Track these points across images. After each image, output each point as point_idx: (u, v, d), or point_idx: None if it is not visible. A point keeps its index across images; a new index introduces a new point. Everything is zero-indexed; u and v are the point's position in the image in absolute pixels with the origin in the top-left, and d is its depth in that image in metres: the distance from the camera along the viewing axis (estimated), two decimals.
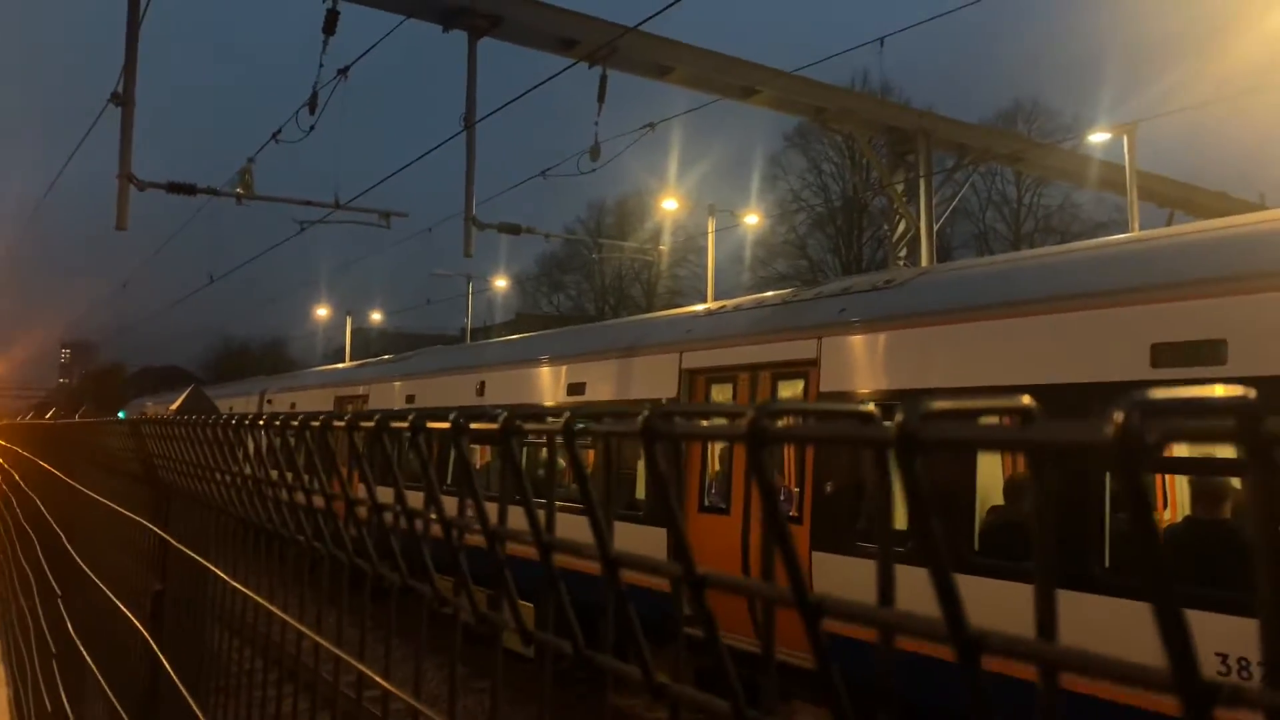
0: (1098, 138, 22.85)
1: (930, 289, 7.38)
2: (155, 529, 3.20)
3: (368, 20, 16.58)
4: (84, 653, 4.67)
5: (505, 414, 0.83)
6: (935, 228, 21.56)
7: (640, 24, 14.84)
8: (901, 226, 21.84)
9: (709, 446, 8.78)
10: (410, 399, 14.84)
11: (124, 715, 3.32)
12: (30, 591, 7.76)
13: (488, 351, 15.30)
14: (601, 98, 17.23)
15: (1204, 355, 5.31)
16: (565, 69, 14.11)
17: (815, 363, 7.45)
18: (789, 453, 7.36)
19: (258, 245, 24.83)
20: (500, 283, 48.63)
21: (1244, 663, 4.88)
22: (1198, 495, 5.84)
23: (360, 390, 16.96)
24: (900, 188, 21.73)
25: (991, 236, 47.26)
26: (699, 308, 11.12)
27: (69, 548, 5.48)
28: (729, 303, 10.72)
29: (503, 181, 23.01)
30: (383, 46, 15.35)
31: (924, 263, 21.10)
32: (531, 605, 0.99)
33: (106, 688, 3.74)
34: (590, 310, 57.40)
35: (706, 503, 8.66)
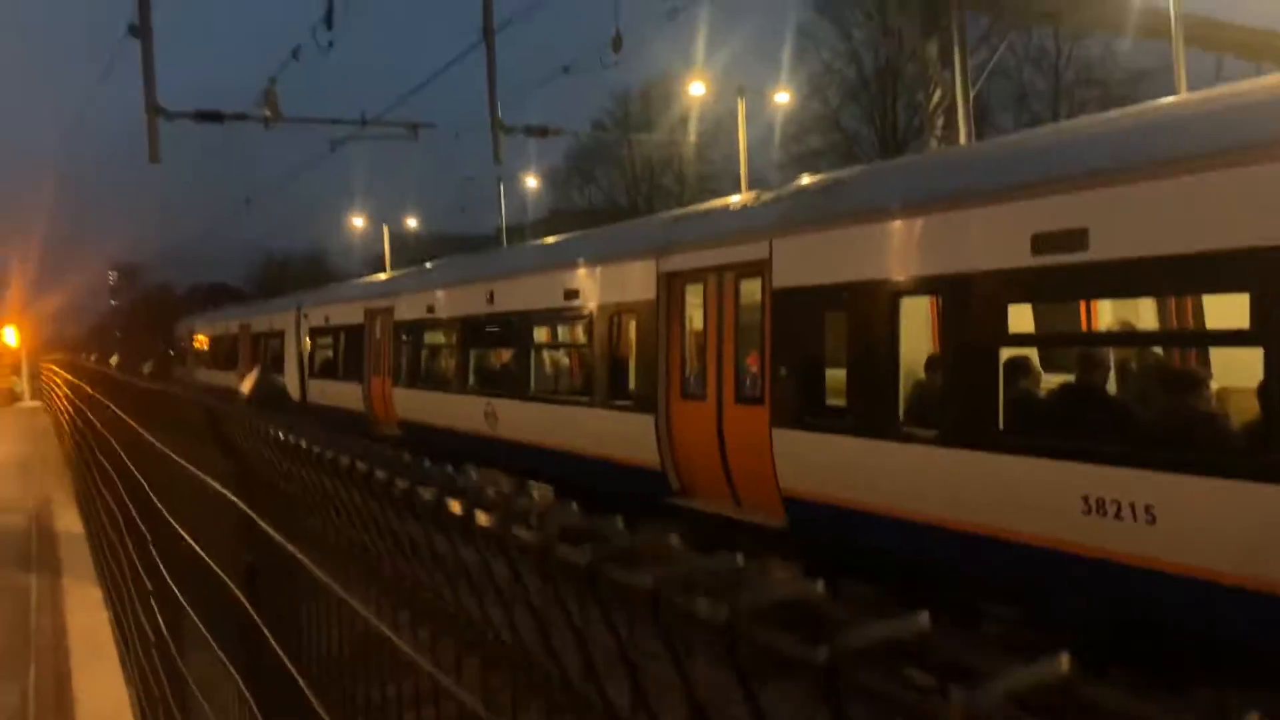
0: None
1: (856, 190, 8.18)
2: (242, 505, 3.42)
3: None
4: (180, 598, 5.00)
5: (590, 557, 0.93)
6: (972, 93, 20.93)
7: None
8: (937, 95, 21.23)
9: (687, 341, 9.94)
10: (430, 308, 15.77)
11: (231, 667, 3.62)
12: (118, 525, 8.24)
13: (496, 261, 16.11)
14: None
15: (1072, 243, 6.02)
16: None
17: (769, 262, 8.49)
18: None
19: (290, 161, 24.88)
20: (531, 181, 48.27)
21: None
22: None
23: (386, 303, 17.61)
24: (934, 54, 21.04)
25: (1031, 94, 45.63)
26: (674, 213, 12.08)
27: (153, 497, 5.81)
28: (700, 207, 11.58)
29: (525, 81, 22.67)
30: None
31: (961, 131, 20.58)
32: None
33: (210, 638, 4.04)
34: (622, 202, 56.84)
35: (685, 392, 9.79)
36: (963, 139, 20.37)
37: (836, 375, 8.02)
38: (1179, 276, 5.73)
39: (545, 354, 13.05)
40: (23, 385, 44.65)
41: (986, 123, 41.78)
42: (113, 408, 7.88)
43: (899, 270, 7.32)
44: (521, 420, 12.56)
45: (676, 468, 9.78)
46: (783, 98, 34.22)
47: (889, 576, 7.75)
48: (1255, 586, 5.19)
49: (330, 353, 20.17)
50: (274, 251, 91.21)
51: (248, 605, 3.35)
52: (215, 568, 4.03)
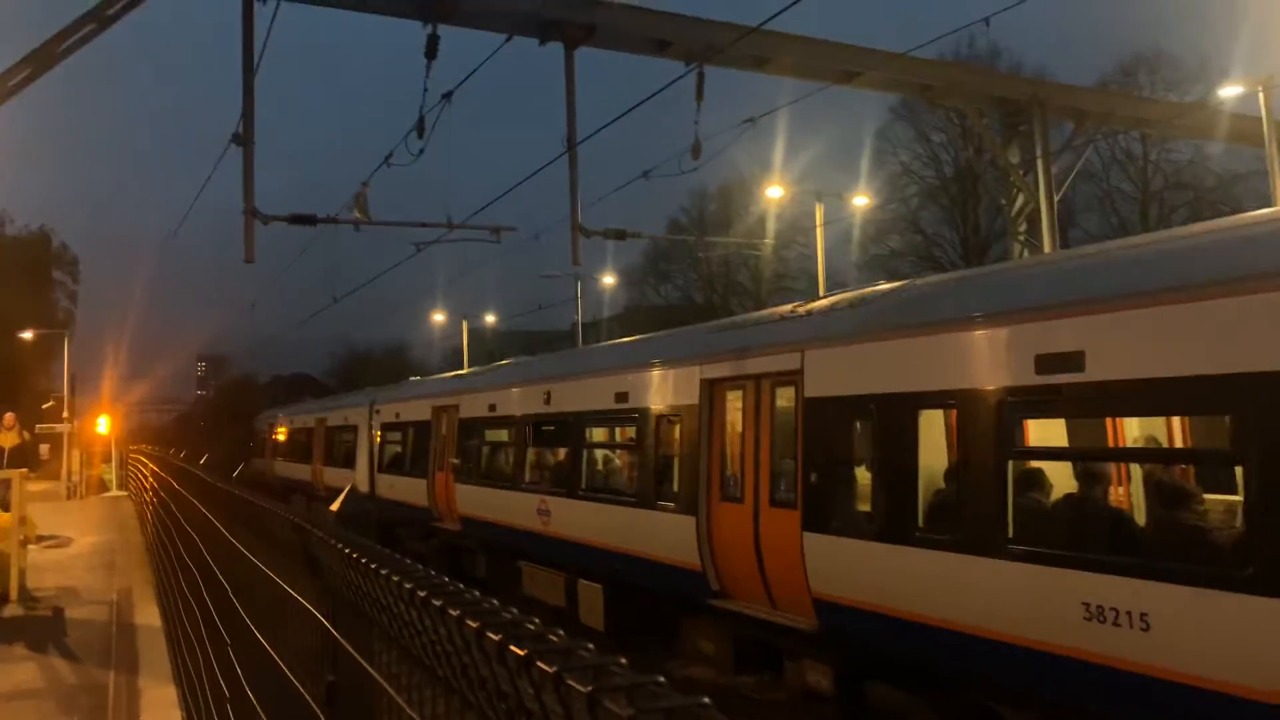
0: (1228, 91, 21.52)
1: (880, 308, 8.76)
2: (326, 623, 3.34)
3: (468, 39, 16.90)
4: (257, 707, 4.90)
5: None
6: (1056, 198, 20.73)
7: (749, 31, 14.67)
8: (1020, 200, 21.07)
9: (728, 446, 10.25)
10: (492, 407, 16.36)
11: None
12: (197, 624, 8.24)
13: (554, 363, 16.81)
14: (699, 95, 17.12)
15: (1070, 364, 6.39)
16: (670, 84, 14.03)
17: (801, 373, 8.95)
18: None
19: (376, 261, 25.59)
20: (608, 279, 49.02)
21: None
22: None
23: (453, 401, 18.18)
24: (1015, 160, 20.96)
25: (1117, 197, 45.05)
26: (719, 322, 12.76)
27: (235, 602, 5.78)
28: (742, 317, 12.68)
29: (606, 184, 23.14)
30: (486, 63, 15.61)
31: (1045, 237, 20.32)
32: None
33: None
34: (698, 300, 57.27)
35: (724, 494, 10.13)
36: (1047, 245, 20.11)
37: (863, 482, 8.35)
38: (1163, 398, 6.18)
39: (596, 454, 13.38)
40: (111, 475, 46.03)
41: (1072, 225, 41.34)
42: (201, 508, 7.96)
43: (918, 384, 7.73)
44: (572, 518, 12.86)
45: (716, 569, 9.97)
46: (860, 201, 34.35)
47: (922, 683, 7.85)
48: (1247, 695, 5.36)
49: (399, 448, 20.68)
50: (356, 344, 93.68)
51: None
52: (295, 682, 3.95)
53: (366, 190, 19.22)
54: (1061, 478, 7.20)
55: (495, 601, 1.88)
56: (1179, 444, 7.66)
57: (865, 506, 8.20)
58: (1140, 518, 7.14)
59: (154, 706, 8.24)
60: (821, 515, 8.43)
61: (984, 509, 6.91)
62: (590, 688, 1.28)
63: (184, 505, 9.92)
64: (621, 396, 12.13)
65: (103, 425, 49.72)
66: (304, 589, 3.77)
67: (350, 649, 2.92)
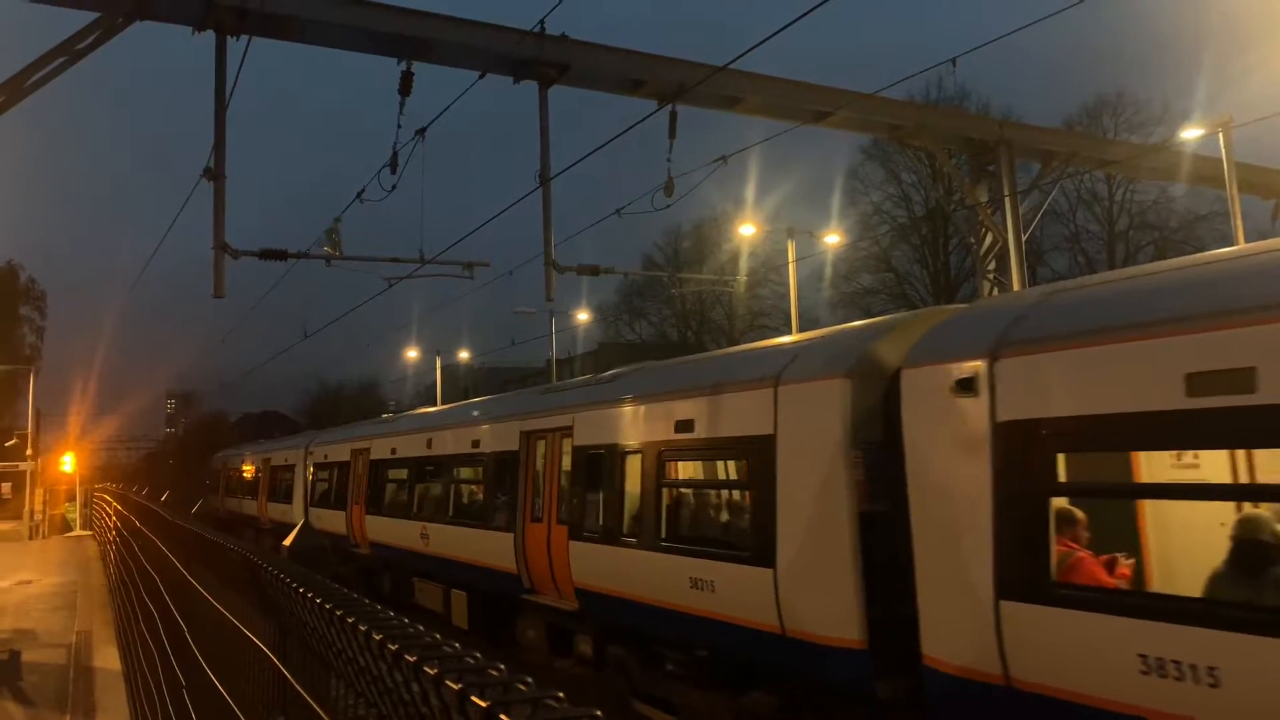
0: (1190, 134, 21.95)
1: (615, 385, 12.05)
2: (276, 662, 3.25)
3: (442, 77, 16.94)
4: None
5: None
6: (1024, 237, 20.97)
7: (719, 69, 14.82)
8: (988, 240, 21.31)
9: (536, 480, 13.27)
10: (393, 450, 19.37)
11: None
12: (155, 667, 8.02)
13: (435, 416, 20.08)
14: (672, 134, 17.23)
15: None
16: (641, 120, 14.14)
17: (572, 429, 12.23)
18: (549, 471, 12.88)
19: (347, 296, 25.52)
20: (582, 316, 49.03)
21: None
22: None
23: (366, 445, 21.01)
24: (983, 199, 21.21)
25: (1084, 237, 45.70)
26: (541, 388, 17.29)
27: (191, 644, 5.64)
28: (553, 385, 17.17)
29: (579, 220, 23.20)
30: (459, 100, 15.66)
31: (1014, 275, 20.54)
32: None
33: None
34: (673, 336, 57.38)
35: (533, 517, 13.18)
36: (1016, 283, 20.32)
37: (599, 504, 11.28)
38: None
39: (459, 488, 16.33)
40: (74, 514, 45.12)
41: (1040, 263, 41.86)
42: (159, 545, 7.80)
43: (641, 437, 10.71)
44: (443, 539, 15.95)
45: (528, 572, 13.09)
46: (832, 239, 34.64)
47: (629, 639, 10.75)
48: (761, 626, 7.79)
49: (326, 485, 23.78)
50: (328, 381, 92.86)
51: None
52: None
53: (339, 225, 19.15)
54: (692, 496, 10.42)
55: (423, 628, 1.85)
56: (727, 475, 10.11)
57: (599, 520, 11.21)
58: (713, 516, 10.08)
59: None
60: (579, 528, 11.59)
61: (648, 519, 10.18)
62: None
63: (144, 543, 9.72)
64: (475, 443, 15.50)
65: (68, 463, 48.86)
66: (256, 625, 3.68)
67: (298, 687, 2.84)
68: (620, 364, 20.35)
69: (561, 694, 1.40)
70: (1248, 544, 5.46)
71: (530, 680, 1.49)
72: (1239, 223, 20.57)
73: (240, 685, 4.04)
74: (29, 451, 41.94)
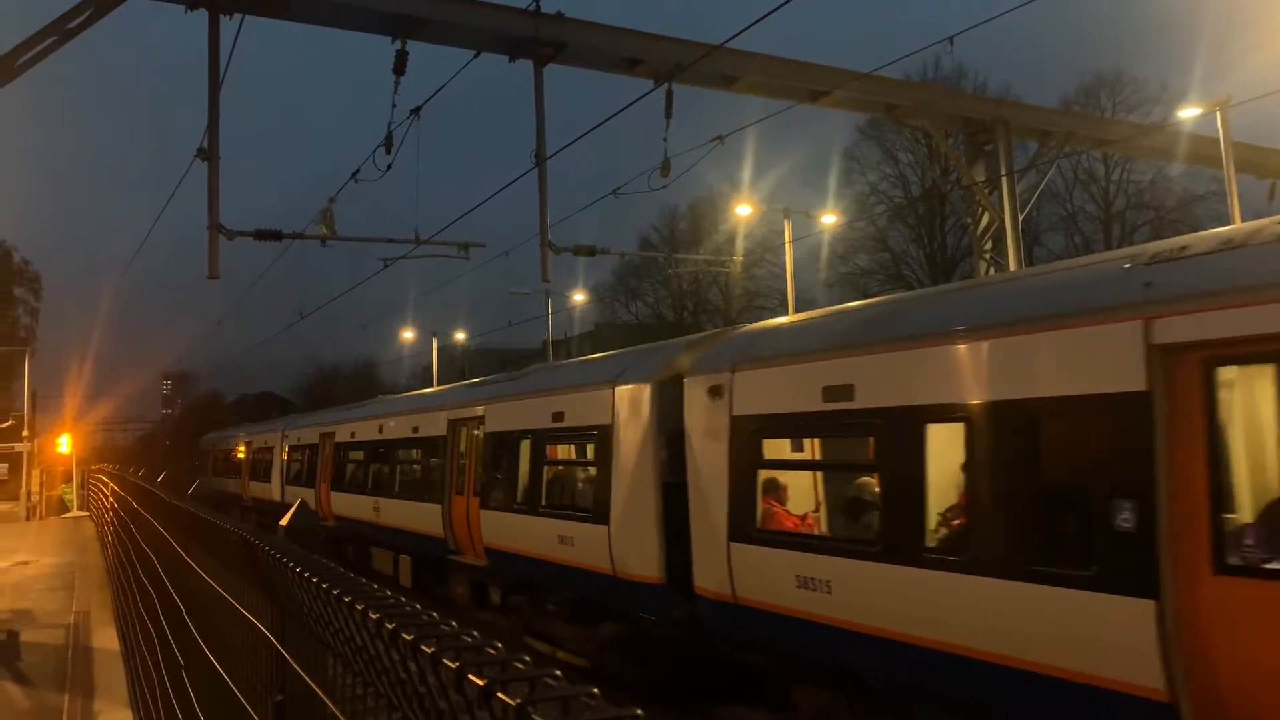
0: (1188, 113, 21.89)
1: (523, 381, 14.51)
2: (275, 642, 3.27)
3: (437, 57, 16.84)
4: None
5: None
6: (1020, 217, 20.95)
7: (716, 48, 14.71)
8: (985, 219, 21.28)
9: (460, 460, 15.74)
10: (353, 434, 21.72)
11: None
12: (153, 646, 8.06)
13: (387, 405, 22.33)
14: (669, 113, 17.16)
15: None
16: (637, 100, 14.08)
17: (483, 418, 14.65)
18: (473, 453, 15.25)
19: (343, 278, 25.49)
20: (578, 297, 48.97)
21: None
22: None
23: (331, 429, 23.30)
24: (980, 179, 21.18)
25: (1081, 217, 45.64)
26: (466, 383, 20.28)
27: (189, 622, 5.66)
28: (473, 381, 19.77)
29: (575, 201, 23.15)
30: (454, 79, 15.55)
31: (1010, 255, 20.55)
32: None
33: None
34: (669, 316, 57.32)
35: (457, 491, 15.51)
36: (1013, 263, 20.33)
37: (502, 478, 13.53)
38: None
39: (403, 467, 18.57)
40: (71, 495, 45.20)
41: (1036, 244, 41.83)
42: (157, 526, 7.82)
43: (530, 425, 12.91)
44: (390, 511, 18.36)
45: (453, 535, 15.46)
46: (829, 219, 34.55)
47: (525, 591, 13.08)
48: (642, 579, 10.25)
49: (299, 465, 26.35)
50: (324, 362, 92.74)
51: None
52: (245, 704, 3.86)
53: (333, 206, 19.07)
54: (562, 471, 12.76)
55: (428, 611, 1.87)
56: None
57: (501, 492, 13.47)
58: (574, 486, 12.33)
59: None
60: (488, 499, 13.96)
61: (533, 490, 12.56)
62: None
63: (141, 524, 9.74)
64: (415, 429, 17.88)
65: (64, 444, 48.86)
66: (254, 606, 3.70)
67: (296, 667, 2.85)
68: (618, 345, 20.91)
69: (559, 671, 1.41)
70: (852, 501, 8.20)
71: (528, 659, 1.49)
72: (1235, 202, 20.56)
73: (238, 665, 4.06)
74: (25, 433, 41.94)
